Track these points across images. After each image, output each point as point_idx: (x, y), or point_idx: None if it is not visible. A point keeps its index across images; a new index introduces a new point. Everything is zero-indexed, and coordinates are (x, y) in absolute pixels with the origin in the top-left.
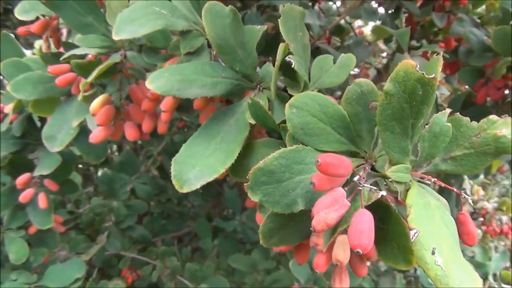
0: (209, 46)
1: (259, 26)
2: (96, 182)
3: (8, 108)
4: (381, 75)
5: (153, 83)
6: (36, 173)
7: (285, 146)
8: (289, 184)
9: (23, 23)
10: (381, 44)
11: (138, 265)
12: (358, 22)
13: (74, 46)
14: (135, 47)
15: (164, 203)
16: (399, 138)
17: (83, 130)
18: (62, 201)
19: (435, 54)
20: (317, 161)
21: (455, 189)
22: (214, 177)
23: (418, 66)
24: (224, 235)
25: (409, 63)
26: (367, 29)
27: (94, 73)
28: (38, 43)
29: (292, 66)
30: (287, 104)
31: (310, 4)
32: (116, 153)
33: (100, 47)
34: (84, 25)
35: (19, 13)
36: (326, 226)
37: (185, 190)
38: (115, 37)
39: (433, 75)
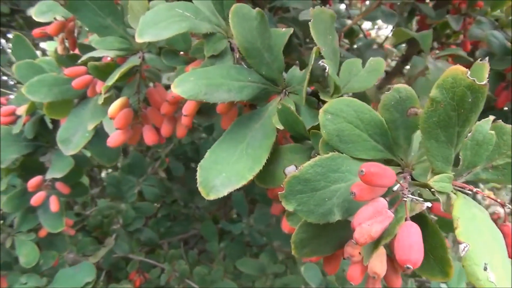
0: (232, 49)
1: (284, 29)
2: (100, 183)
3: (21, 110)
4: (389, 77)
5: (179, 87)
6: (48, 176)
7: (312, 153)
8: (324, 193)
9: (29, 24)
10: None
11: (145, 268)
12: (365, 25)
13: (90, 48)
14: (154, 49)
15: (170, 205)
16: (443, 147)
17: (96, 133)
18: (67, 202)
19: (456, 57)
20: (361, 171)
21: (498, 200)
22: (242, 184)
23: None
24: (230, 237)
25: (458, 69)
26: (374, 32)
27: (116, 76)
28: (50, 45)
29: (326, 70)
30: (321, 110)
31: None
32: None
33: (118, 49)
34: (103, 27)
35: (37, 14)
36: (370, 239)
37: (211, 197)
38: (139, 39)
39: (484, 82)
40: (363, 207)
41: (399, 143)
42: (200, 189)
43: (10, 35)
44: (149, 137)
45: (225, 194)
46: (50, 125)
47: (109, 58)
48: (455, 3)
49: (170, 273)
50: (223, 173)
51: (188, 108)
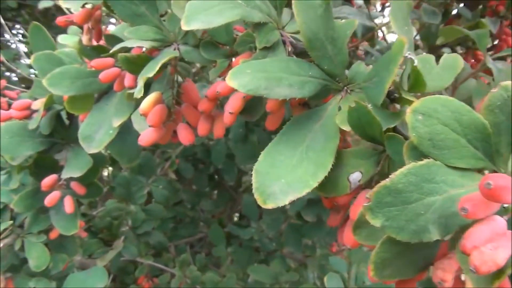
0: (283, 42)
1: (346, 20)
2: (105, 183)
3: (37, 104)
4: None
5: (236, 80)
6: (65, 175)
7: (380, 157)
8: (417, 207)
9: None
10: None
11: (153, 272)
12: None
13: (117, 39)
14: (191, 41)
15: (177, 207)
16: None
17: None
18: None
19: None
20: (488, 184)
21: None
22: (305, 192)
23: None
24: (238, 242)
25: None
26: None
27: (156, 67)
28: (65, 39)
29: (415, 64)
30: (409, 110)
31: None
32: None
33: (153, 39)
34: (136, 15)
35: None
36: (495, 267)
37: (269, 205)
38: (186, 27)
39: None
40: (476, 226)
41: (500, 151)
42: (256, 196)
43: (15, 31)
44: (185, 137)
45: (286, 203)
46: (66, 121)
47: (144, 49)
48: (492, 5)
49: (181, 279)
50: (282, 178)
51: (234, 105)
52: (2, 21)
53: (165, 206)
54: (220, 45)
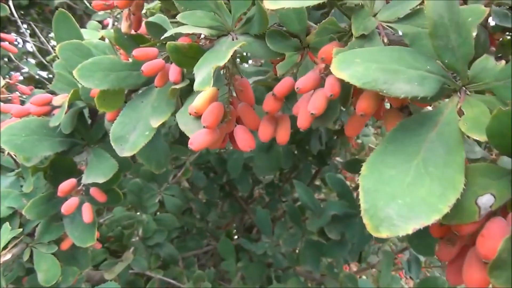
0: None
1: (471, 5)
2: None
3: (59, 99)
4: None
5: (345, 70)
6: (86, 180)
7: None
8: None
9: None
10: None
11: (160, 285)
12: None
13: (160, 28)
14: (255, 29)
15: (186, 218)
16: None
17: None
18: None
19: None
20: None
21: None
22: (434, 219)
23: None
24: (247, 256)
25: None
26: None
27: (228, 54)
28: (84, 33)
29: None
30: None
31: None
32: None
33: (208, 26)
34: None
35: None
36: None
37: (383, 233)
38: (271, 5)
39: None
40: None
41: None
42: (365, 219)
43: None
44: (244, 141)
45: (409, 231)
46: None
47: (202, 36)
48: None
49: None
50: (397, 198)
51: (318, 105)
52: (17, 17)
53: (175, 215)
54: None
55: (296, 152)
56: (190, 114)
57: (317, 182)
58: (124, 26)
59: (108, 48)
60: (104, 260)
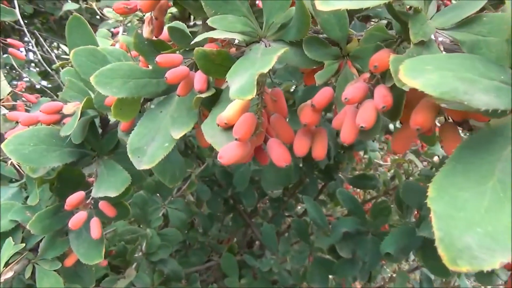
0: None
1: None
2: None
3: (70, 108)
4: None
5: (417, 78)
6: (97, 193)
7: None
8: None
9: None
10: None
11: None
12: None
13: (183, 34)
14: (291, 35)
15: (187, 232)
16: None
17: None
18: None
19: None
20: None
21: None
22: None
23: None
24: (250, 272)
25: None
26: None
27: (273, 60)
28: (103, 33)
29: None
30: None
31: None
32: None
33: (240, 32)
34: (223, 2)
35: None
36: None
37: (463, 267)
38: (323, 7)
39: None
40: None
41: None
42: (440, 250)
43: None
44: (280, 156)
45: (496, 266)
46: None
47: (236, 41)
48: None
49: None
50: (476, 226)
51: (368, 118)
52: (23, 25)
53: (180, 230)
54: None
55: (302, 166)
56: (218, 125)
57: (321, 197)
58: (146, 31)
59: (124, 55)
60: (105, 276)
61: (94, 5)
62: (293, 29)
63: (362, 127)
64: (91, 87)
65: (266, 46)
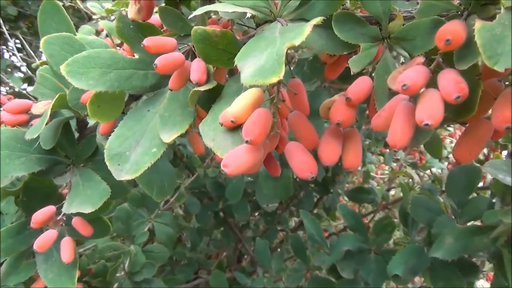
0: None
1: None
2: None
3: (41, 107)
4: None
5: None
6: (68, 209)
7: None
8: None
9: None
10: None
11: None
12: None
13: (177, 15)
14: (315, 12)
15: (175, 247)
16: None
17: None
18: None
19: None
20: None
21: None
22: None
23: None
24: None
25: None
26: None
27: (305, 32)
28: (86, 29)
29: None
30: None
31: None
32: None
33: (251, 7)
34: None
35: None
36: None
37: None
38: None
39: None
40: None
41: None
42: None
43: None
44: (304, 164)
45: None
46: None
47: (248, 14)
48: None
49: None
50: None
51: (435, 112)
52: (4, 29)
53: (167, 246)
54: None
55: (296, 177)
56: (221, 125)
57: (315, 210)
58: (132, 11)
59: (106, 47)
60: None
61: (79, 3)
62: (320, 3)
63: (426, 124)
64: (67, 83)
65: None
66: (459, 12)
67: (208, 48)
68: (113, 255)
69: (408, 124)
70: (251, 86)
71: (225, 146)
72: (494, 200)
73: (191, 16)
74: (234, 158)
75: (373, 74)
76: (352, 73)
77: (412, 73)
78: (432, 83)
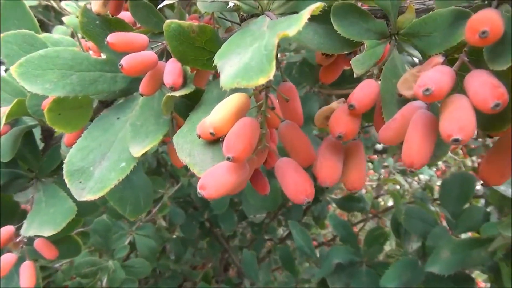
0: None
1: None
2: None
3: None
4: None
5: None
6: (27, 231)
7: None
8: None
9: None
10: None
11: None
12: None
13: (150, 9)
14: (308, 2)
15: (158, 259)
16: None
17: None
18: None
19: None
20: None
21: None
22: None
23: None
24: None
25: None
26: None
27: (303, 19)
28: (61, 30)
29: None
30: None
31: None
32: None
33: None
34: None
35: None
36: None
37: None
38: None
39: None
40: None
41: None
42: None
43: None
44: (300, 187)
45: None
46: (40, 144)
47: (230, 4)
48: None
49: None
50: None
51: (467, 123)
52: None
53: (149, 260)
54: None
55: None
56: (199, 137)
57: (304, 219)
58: (96, 4)
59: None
60: None
61: (54, 4)
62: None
63: (456, 140)
64: None
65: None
66: (486, 1)
67: (183, 45)
68: (91, 271)
69: (428, 139)
70: (233, 91)
71: (203, 162)
72: (489, 210)
73: (161, 5)
74: (213, 178)
75: (374, 77)
76: (355, 76)
77: (435, 74)
78: (455, 88)
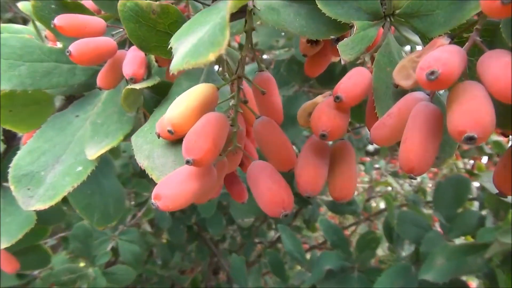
0: None
1: None
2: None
3: None
4: None
5: None
6: None
7: None
8: None
9: None
10: None
11: None
12: None
13: None
14: None
15: (144, 264)
16: None
17: None
18: None
19: None
20: None
21: None
22: None
23: None
24: None
25: None
26: None
27: (225, 33)
28: None
29: None
30: None
31: None
32: None
33: None
34: None
35: None
36: None
37: None
38: None
39: None
40: None
41: None
42: None
43: None
44: (273, 197)
45: None
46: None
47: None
48: None
49: None
50: None
51: (482, 116)
52: None
53: (133, 267)
54: None
55: None
56: (159, 137)
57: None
58: None
59: (36, 38)
60: None
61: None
62: None
63: (471, 138)
64: None
65: (251, 5)
66: None
67: (143, 29)
68: (69, 279)
69: (431, 138)
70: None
71: (163, 167)
72: (483, 213)
73: None
74: (170, 186)
75: (366, 65)
76: (342, 62)
77: (442, 54)
78: (464, 74)
